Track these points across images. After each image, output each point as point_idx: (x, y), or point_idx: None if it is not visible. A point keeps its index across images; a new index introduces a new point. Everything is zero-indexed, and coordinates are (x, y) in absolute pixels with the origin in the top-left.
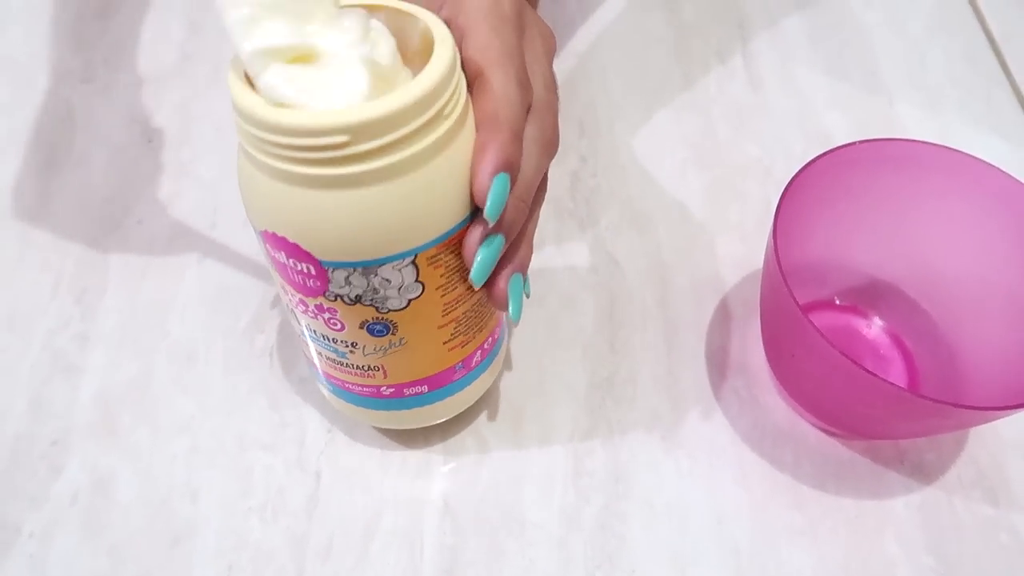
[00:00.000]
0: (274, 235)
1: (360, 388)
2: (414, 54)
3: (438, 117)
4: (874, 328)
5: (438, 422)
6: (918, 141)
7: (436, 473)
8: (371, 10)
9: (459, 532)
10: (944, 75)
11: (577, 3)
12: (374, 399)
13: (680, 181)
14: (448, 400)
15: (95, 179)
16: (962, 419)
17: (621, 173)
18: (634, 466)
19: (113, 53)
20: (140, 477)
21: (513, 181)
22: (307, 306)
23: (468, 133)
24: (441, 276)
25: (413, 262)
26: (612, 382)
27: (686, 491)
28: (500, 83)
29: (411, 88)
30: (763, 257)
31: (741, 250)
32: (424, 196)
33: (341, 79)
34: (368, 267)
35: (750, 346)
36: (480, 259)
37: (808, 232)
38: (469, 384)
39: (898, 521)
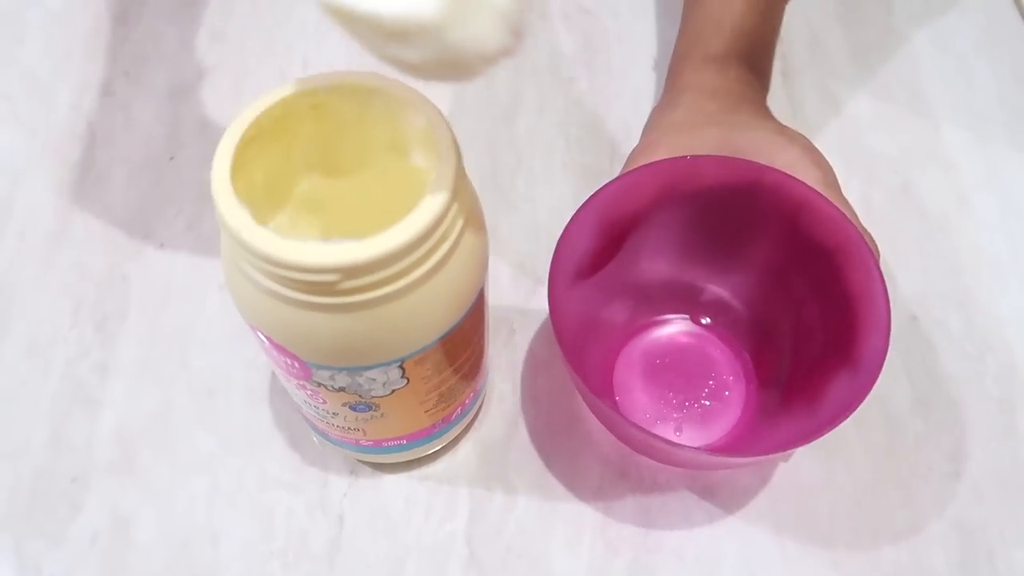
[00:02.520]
0: (259, 330)
1: (340, 436)
2: (414, 140)
3: (434, 248)
4: (718, 346)
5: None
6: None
7: (461, 519)
8: (370, 93)
9: None
10: (993, 96)
11: (608, 15)
12: (352, 445)
13: None
14: (426, 445)
15: (116, 199)
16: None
17: None
18: (664, 515)
19: (134, 65)
20: (160, 518)
21: None
22: (290, 379)
23: (464, 249)
24: (427, 370)
25: (400, 366)
26: None
27: (718, 543)
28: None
29: (405, 228)
30: None
31: None
32: (413, 317)
33: None
34: (354, 370)
35: None
36: None
37: (659, 249)
38: (447, 432)
39: None
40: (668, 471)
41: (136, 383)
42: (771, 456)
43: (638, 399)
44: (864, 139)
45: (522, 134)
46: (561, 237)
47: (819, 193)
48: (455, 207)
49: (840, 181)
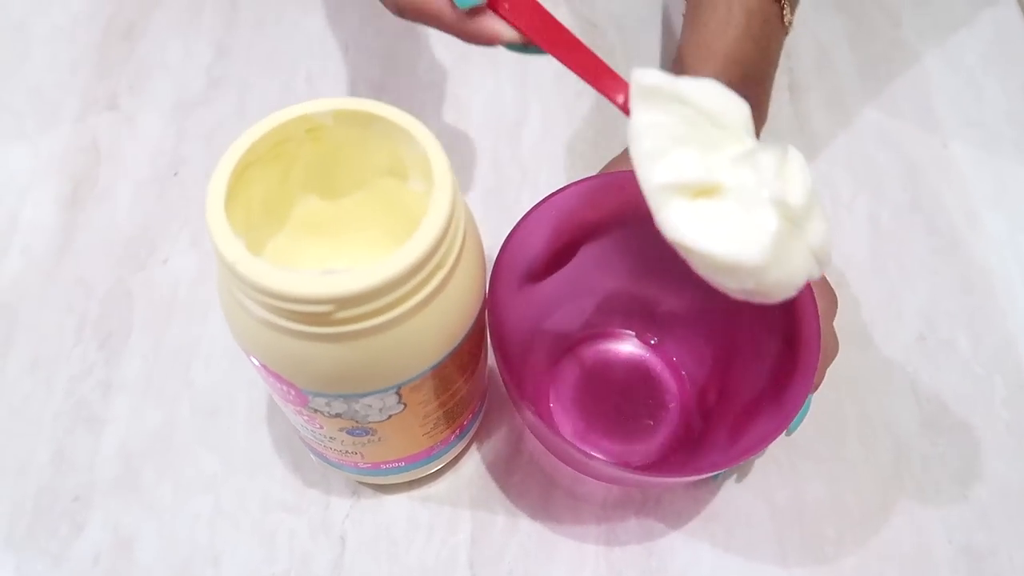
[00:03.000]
0: (254, 358)
1: (338, 459)
2: (413, 167)
3: (428, 277)
4: (660, 365)
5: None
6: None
7: (464, 541)
8: (366, 119)
9: None
10: (1002, 111)
11: (617, 33)
12: (350, 467)
13: None
14: (422, 467)
15: (120, 214)
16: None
17: None
18: (668, 538)
19: (138, 79)
20: (162, 538)
21: None
22: (287, 405)
23: (460, 277)
24: (424, 395)
25: (396, 392)
26: None
27: (723, 566)
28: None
29: (400, 258)
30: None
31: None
32: (409, 345)
33: (748, 220)
34: (349, 398)
35: None
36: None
37: (614, 262)
38: (445, 454)
39: None
40: (671, 492)
41: (139, 401)
42: (683, 479)
43: (571, 410)
44: (872, 155)
45: (527, 150)
46: (511, 233)
47: None
48: (450, 236)
49: (847, 197)
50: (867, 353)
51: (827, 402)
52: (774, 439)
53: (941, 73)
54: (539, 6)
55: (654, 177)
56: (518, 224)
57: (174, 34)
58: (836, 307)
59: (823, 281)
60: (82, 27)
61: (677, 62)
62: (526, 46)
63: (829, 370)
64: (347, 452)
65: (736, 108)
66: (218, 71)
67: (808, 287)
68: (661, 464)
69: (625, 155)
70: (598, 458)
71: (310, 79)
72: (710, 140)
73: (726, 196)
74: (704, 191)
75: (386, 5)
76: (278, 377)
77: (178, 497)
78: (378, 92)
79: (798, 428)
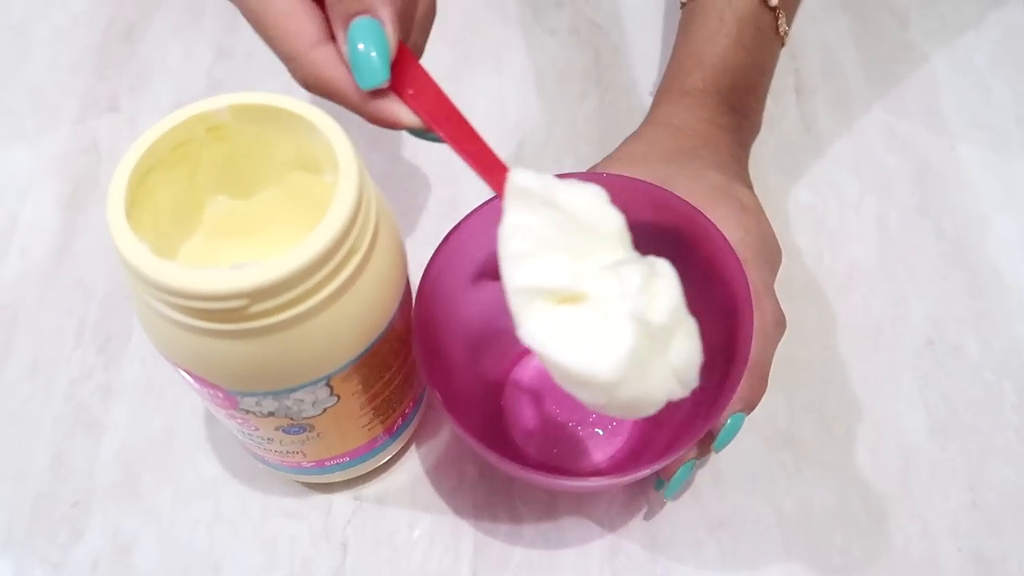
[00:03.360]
0: (178, 365)
1: (281, 461)
2: (322, 158)
3: (341, 264)
4: None
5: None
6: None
7: (466, 547)
8: (263, 112)
9: None
10: (1011, 113)
11: (619, 31)
12: (295, 469)
13: None
14: (370, 461)
15: None
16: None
17: None
18: (674, 545)
19: (139, 80)
20: (161, 544)
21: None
22: (218, 410)
23: (377, 263)
24: (357, 383)
25: (327, 384)
26: None
27: (729, 574)
28: (759, 325)
29: (310, 245)
30: (813, 317)
31: (789, 309)
32: (331, 334)
33: (605, 333)
34: (279, 394)
35: (795, 416)
36: (676, 478)
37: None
38: (391, 444)
39: None
40: (676, 500)
41: (139, 406)
42: (609, 482)
43: (525, 415)
44: (879, 157)
45: (530, 151)
46: (456, 227)
47: (726, 247)
48: (360, 222)
49: (855, 200)
50: (875, 358)
51: (834, 407)
52: (685, 449)
53: (949, 74)
54: (442, 95)
55: (516, 279)
56: (465, 218)
57: (175, 36)
58: (782, 331)
59: (772, 303)
60: (82, 28)
61: (668, 68)
62: (426, 132)
63: (836, 374)
64: (288, 452)
65: (611, 218)
66: (219, 73)
67: (751, 312)
68: (594, 469)
69: (591, 169)
70: (527, 468)
71: None
72: (580, 247)
73: (588, 306)
74: (567, 299)
75: (295, 78)
76: (203, 381)
77: (178, 502)
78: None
79: (725, 446)
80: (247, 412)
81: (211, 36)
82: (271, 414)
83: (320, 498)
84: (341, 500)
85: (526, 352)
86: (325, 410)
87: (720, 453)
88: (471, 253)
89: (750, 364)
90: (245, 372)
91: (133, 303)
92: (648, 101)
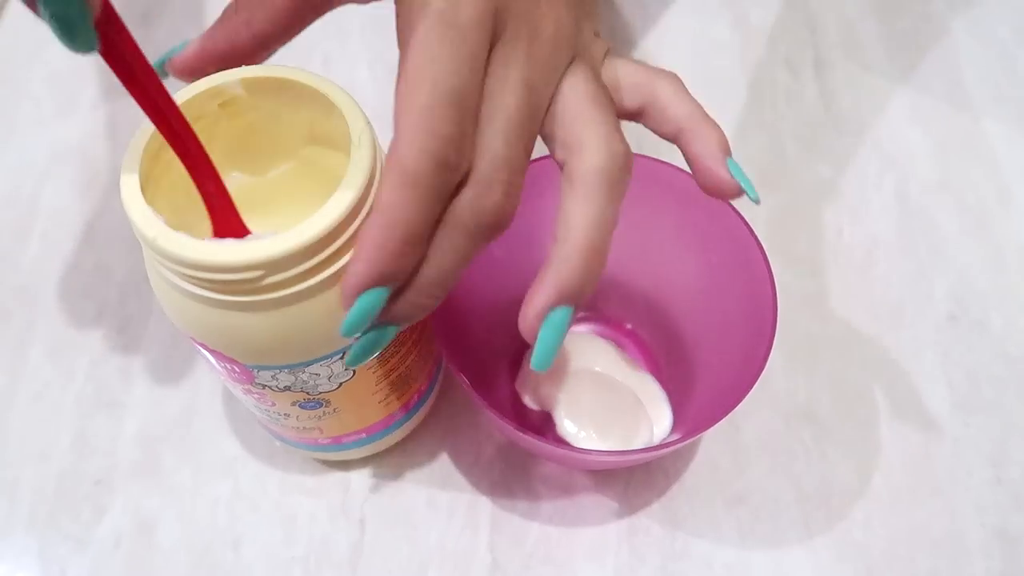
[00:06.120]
0: (195, 339)
1: (298, 438)
2: (336, 132)
3: (356, 235)
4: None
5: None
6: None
7: (484, 524)
8: (276, 84)
9: None
10: None
11: (633, 5)
12: (311, 445)
13: (744, 205)
14: (387, 438)
15: None
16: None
17: None
18: (693, 521)
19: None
20: (183, 522)
21: (402, 285)
22: (234, 385)
23: None
24: (372, 358)
25: (342, 358)
26: None
27: (748, 550)
28: (587, 166)
29: (324, 216)
30: (833, 293)
31: (811, 286)
32: None
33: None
34: (295, 368)
35: (815, 392)
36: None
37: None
38: (408, 421)
39: None
40: (695, 476)
41: (159, 386)
42: (627, 458)
43: None
44: (901, 133)
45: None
46: None
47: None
48: (374, 192)
49: (875, 176)
50: (897, 333)
51: (855, 384)
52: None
53: (972, 47)
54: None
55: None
56: None
57: (189, 19)
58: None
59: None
60: None
61: None
62: None
63: (857, 350)
64: (305, 428)
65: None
66: None
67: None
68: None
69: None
70: (528, 434)
71: (326, 61)
72: None
73: None
74: None
75: None
76: (219, 355)
77: (198, 480)
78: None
79: (544, 360)
80: (264, 387)
81: None
82: (287, 388)
83: (338, 475)
84: (359, 477)
85: None
86: (341, 385)
87: (741, 430)
88: None
89: (575, 233)
90: (261, 345)
91: (151, 278)
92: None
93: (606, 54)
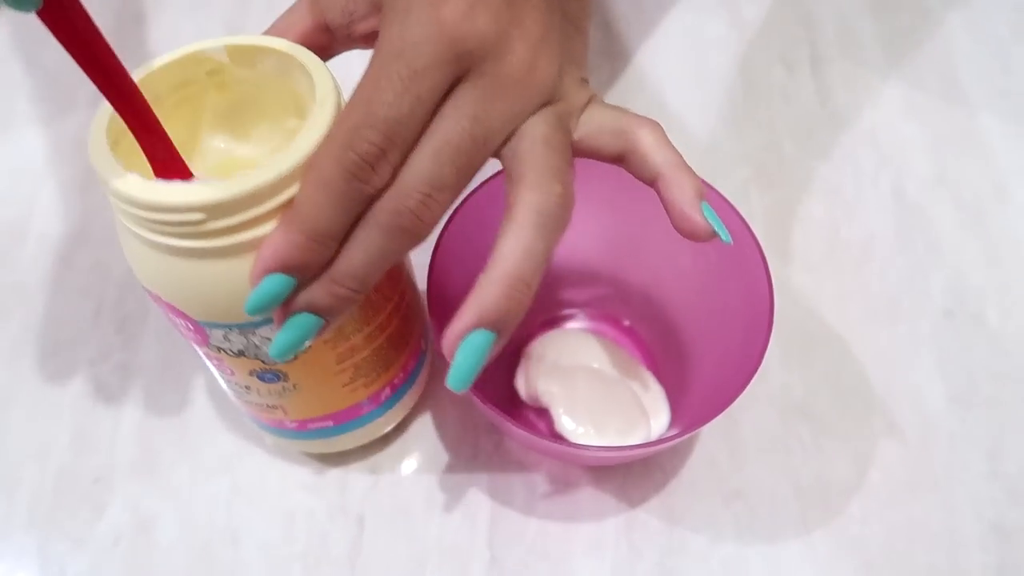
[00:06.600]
0: (150, 292)
1: (265, 418)
2: (308, 101)
3: None
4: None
5: (354, 447)
6: None
7: (482, 520)
8: (259, 53)
9: None
10: None
11: (630, 3)
12: (280, 429)
13: (741, 202)
14: (358, 432)
15: None
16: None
17: None
18: (690, 517)
19: None
20: (181, 519)
21: (306, 278)
22: (198, 349)
23: None
24: (327, 331)
25: None
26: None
27: (745, 545)
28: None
29: (271, 167)
30: (829, 289)
31: (806, 281)
32: None
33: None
34: (245, 328)
35: (812, 387)
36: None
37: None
38: (380, 416)
39: None
40: (693, 471)
41: (156, 384)
42: (624, 454)
43: None
44: (897, 128)
45: None
46: (477, 189)
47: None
48: None
49: (871, 172)
50: (894, 329)
51: (852, 379)
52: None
53: (967, 43)
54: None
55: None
56: (480, 185)
57: (186, 16)
58: (563, 213)
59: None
60: (95, 11)
61: None
62: None
63: (853, 346)
64: (269, 407)
65: None
66: None
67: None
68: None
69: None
70: (522, 429)
71: None
72: None
73: None
74: None
75: None
76: (173, 310)
77: (196, 478)
78: None
79: (462, 382)
80: (219, 350)
81: (222, 15)
82: (241, 354)
83: (337, 472)
84: (357, 475)
85: (538, 327)
86: (297, 356)
87: (738, 425)
88: (486, 222)
89: (501, 261)
90: (207, 297)
91: (117, 231)
92: (668, 68)
93: (590, 101)
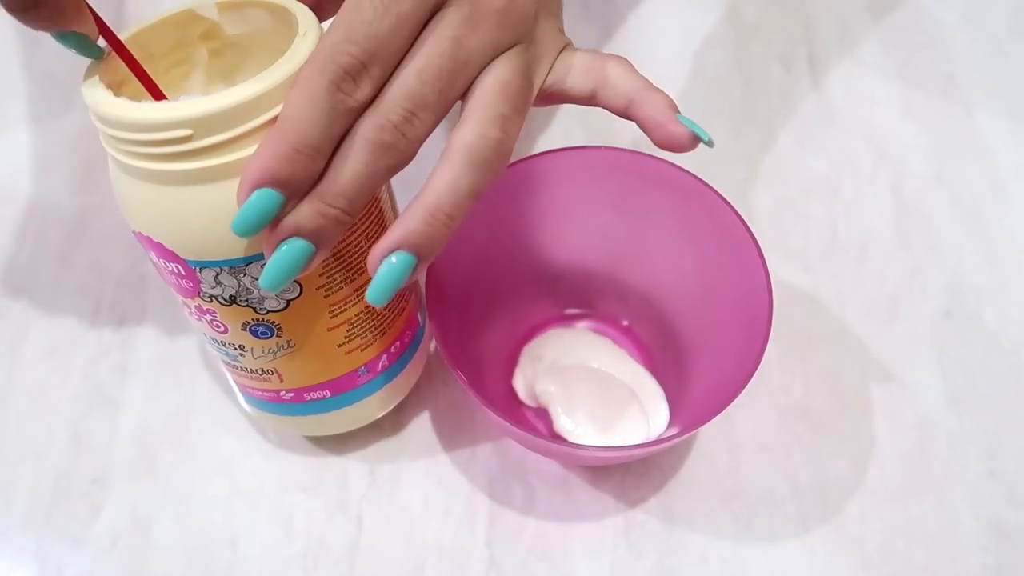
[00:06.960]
0: (141, 234)
1: (260, 393)
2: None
3: None
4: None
5: (352, 429)
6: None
7: (481, 521)
8: (249, 7)
9: None
10: None
11: (631, 8)
12: (276, 403)
13: (739, 201)
14: (356, 406)
15: None
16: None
17: None
18: (689, 517)
19: None
20: (179, 520)
21: (295, 195)
22: (190, 308)
23: None
24: (320, 276)
25: None
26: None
27: (744, 545)
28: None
29: (255, 83)
30: (828, 288)
31: (806, 281)
32: None
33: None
34: (235, 266)
35: (811, 387)
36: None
37: (583, 236)
38: (378, 389)
39: None
40: (691, 471)
41: (154, 384)
42: (622, 454)
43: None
44: (894, 127)
45: (539, 124)
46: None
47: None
48: None
49: (870, 171)
50: (892, 328)
51: (850, 379)
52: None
53: (965, 41)
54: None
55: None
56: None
57: None
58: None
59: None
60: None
61: None
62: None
63: (852, 346)
64: (264, 372)
65: None
66: None
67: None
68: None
69: None
70: (523, 429)
71: None
72: None
73: None
74: None
75: None
76: (163, 251)
77: (195, 479)
78: None
79: (382, 296)
80: (212, 299)
81: None
82: (233, 300)
83: (335, 473)
84: (356, 475)
85: (537, 327)
86: (289, 303)
87: (736, 425)
88: (485, 220)
89: (428, 191)
90: (198, 230)
91: (110, 173)
92: (668, 71)
93: (563, 48)
